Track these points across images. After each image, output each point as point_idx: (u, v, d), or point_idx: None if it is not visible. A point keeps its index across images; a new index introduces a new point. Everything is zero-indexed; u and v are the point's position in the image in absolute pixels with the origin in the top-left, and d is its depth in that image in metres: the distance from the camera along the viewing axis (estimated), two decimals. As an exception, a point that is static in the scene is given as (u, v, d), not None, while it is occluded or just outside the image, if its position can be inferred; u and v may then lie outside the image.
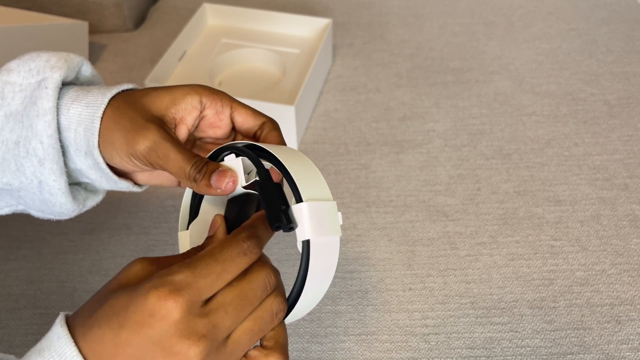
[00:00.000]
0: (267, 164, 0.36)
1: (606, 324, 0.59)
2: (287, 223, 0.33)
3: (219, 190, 0.36)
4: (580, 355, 0.57)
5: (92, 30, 0.98)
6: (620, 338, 0.58)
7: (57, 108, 0.38)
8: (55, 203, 0.40)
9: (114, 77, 0.91)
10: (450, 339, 0.58)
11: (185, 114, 0.39)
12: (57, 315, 0.62)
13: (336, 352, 0.58)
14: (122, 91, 0.40)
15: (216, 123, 0.41)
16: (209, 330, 0.29)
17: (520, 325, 0.59)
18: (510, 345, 0.58)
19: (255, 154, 0.36)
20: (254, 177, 0.37)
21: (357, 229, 0.68)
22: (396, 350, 0.58)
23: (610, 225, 0.68)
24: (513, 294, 0.62)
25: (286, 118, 0.74)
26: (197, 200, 0.41)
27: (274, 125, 0.41)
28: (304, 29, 0.90)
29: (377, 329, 0.59)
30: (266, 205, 0.34)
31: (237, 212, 0.38)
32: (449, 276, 0.64)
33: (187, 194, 0.41)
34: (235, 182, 0.36)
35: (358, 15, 1.02)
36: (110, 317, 0.29)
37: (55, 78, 0.38)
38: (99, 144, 0.38)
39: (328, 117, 0.83)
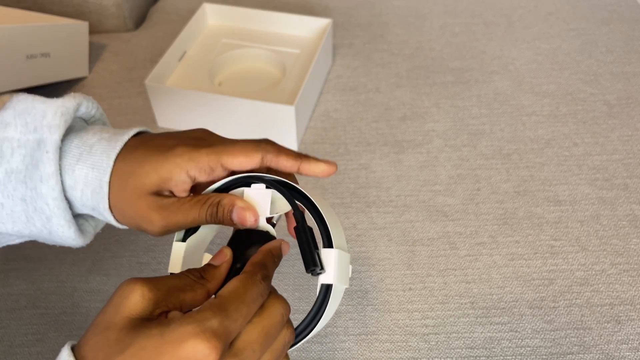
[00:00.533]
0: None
1: (606, 324, 0.59)
2: (321, 268, 0.36)
3: (241, 226, 0.38)
4: (580, 355, 0.57)
5: (93, 30, 0.98)
6: (620, 338, 0.58)
7: (61, 167, 0.39)
8: (66, 243, 0.41)
9: (114, 77, 0.91)
10: (450, 338, 0.58)
11: (178, 188, 0.39)
12: (57, 315, 0.63)
13: (336, 352, 0.58)
14: (125, 144, 0.40)
15: (212, 181, 0.40)
16: None
17: (520, 325, 0.59)
18: (510, 345, 0.58)
19: (287, 192, 0.38)
20: (275, 213, 0.40)
21: (357, 229, 0.68)
22: (396, 350, 0.58)
23: (610, 225, 0.68)
24: (513, 293, 0.62)
25: (286, 118, 0.74)
26: None
27: (273, 149, 0.39)
28: (304, 29, 0.90)
29: (377, 328, 0.59)
30: (303, 249, 0.36)
31: (242, 246, 0.38)
32: (448, 276, 0.64)
33: None
34: (257, 219, 0.38)
35: (358, 15, 1.02)
36: None
37: (54, 140, 0.38)
38: (109, 205, 0.39)
39: (328, 117, 0.83)
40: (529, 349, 0.57)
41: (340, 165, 0.76)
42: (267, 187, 0.39)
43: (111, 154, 0.39)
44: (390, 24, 1.00)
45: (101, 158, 0.39)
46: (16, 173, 0.38)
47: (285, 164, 0.39)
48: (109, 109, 0.85)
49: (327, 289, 0.36)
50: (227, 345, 0.30)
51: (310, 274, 0.36)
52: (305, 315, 0.37)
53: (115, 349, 0.30)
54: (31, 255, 0.66)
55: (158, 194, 0.39)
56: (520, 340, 0.58)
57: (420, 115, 0.83)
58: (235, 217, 0.38)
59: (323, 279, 0.37)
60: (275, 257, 0.37)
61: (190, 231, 0.40)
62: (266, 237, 0.39)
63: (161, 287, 0.32)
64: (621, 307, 0.60)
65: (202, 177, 0.38)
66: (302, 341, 0.37)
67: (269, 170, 0.40)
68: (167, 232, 0.39)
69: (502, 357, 0.57)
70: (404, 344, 0.58)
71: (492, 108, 0.83)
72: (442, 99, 0.85)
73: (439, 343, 0.58)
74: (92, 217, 0.43)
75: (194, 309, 0.32)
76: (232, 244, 0.39)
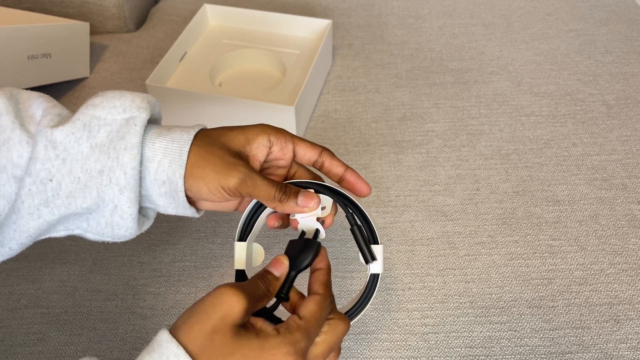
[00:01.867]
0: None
1: (605, 323, 0.59)
2: (374, 259, 0.45)
3: (305, 208, 0.44)
4: (579, 355, 0.57)
5: (93, 31, 0.98)
6: (618, 337, 0.58)
7: (142, 142, 0.43)
8: (122, 226, 0.44)
9: (114, 77, 0.91)
10: (449, 338, 0.59)
11: (258, 152, 0.45)
12: (58, 314, 0.63)
13: (336, 351, 0.58)
14: (199, 130, 0.45)
15: (280, 156, 0.47)
16: None
17: (519, 324, 0.60)
18: (509, 344, 0.58)
19: (338, 197, 0.46)
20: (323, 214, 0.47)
21: (356, 228, 0.69)
22: (395, 349, 0.58)
23: (609, 225, 0.68)
24: (512, 293, 0.62)
25: (286, 118, 0.74)
26: (255, 216, 0.47)
27: (331, 153, 0.47)
28: (304, 30, 0.91)
29: (376, 328, 0.60)
30: (361, 246, 0.45)
31: (297, 252, 0.44)
32: (448, 275, 0.64)
33: (248, 209, 0.46)
34: (319, 203, 0.45)
35: (358, 16, 1.02)
36: None
37: (142, 117, 0.43)
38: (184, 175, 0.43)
39: (328, 117, 0.83)
40: (527, 348, 0.58)
41: (340, 166, 0.76)
42: (316, 192, 0.45)
43: (191, 131, 0.44)
44: (390, 25, 1.00)
45: (181, 134, 0.44)
46: (100, 146, 0.42)
47: (336, 168, 0.47)
48: (109, 110, 0.85)
49: (376, 278, 0.46)
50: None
51: (365, 264, 0.45)
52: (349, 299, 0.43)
53: (221, 351, 0.36)
54: (32, 254, 0.67)
55: (239, 156, 0.44)
56: (519, 340, 0.58)
57: (420, 116, 0.83)
58: (301, 198, 0.44)
59: (373, 269, 0.45)
60: (329, 285, 0.43)
61: (246, 231, 0.46)
62: (315, 245, 0.44)
63: (250, 298, 0.38)
64: (620, 307, 0.61)
65: (275, 148, 0.45)
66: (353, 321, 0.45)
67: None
68: (242, 188, 0.43)
69: (501, 356, 0.57)
70: (404, 343, 0.59)
71: (491, 108, 0.84)
72: (442, 99, 0.85)
73: (438, 342, 0.58)
74: (146, 217, 0.47)
75: (282, 327, 0.38)
76: (287, 252, 0.45)
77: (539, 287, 0.63)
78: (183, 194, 0.44)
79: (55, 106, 0.44)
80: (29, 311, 0.62)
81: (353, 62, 0.93)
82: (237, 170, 0.43)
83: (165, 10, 1.06)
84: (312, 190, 0.45)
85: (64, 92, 0.88)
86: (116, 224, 0.44)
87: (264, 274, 0.42)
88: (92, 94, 0.87)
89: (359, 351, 0.58)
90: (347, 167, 0.47)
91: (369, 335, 0.59)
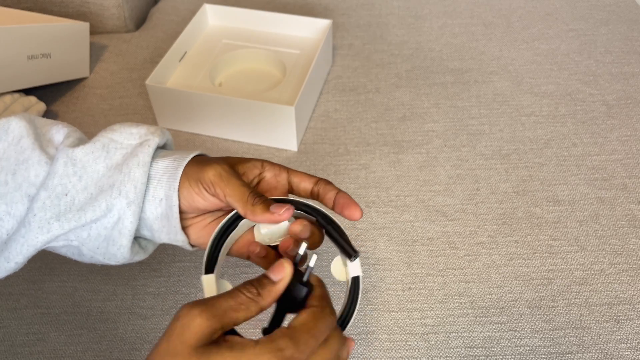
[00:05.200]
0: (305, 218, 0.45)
1: (605, 324, 0.59)
2: (355, 252, 0.42)
3: (276, 215, 0.41)
4: (579, 355, 0.57)
5: (93, 31, 0.98)
6: (618, 337, 0.58)
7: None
8: (117, 244, 0.44)
9: (114, 77, 0.91)
10: (449, 338, 0.59)
11: (248, 171, 0.46)
12: (58, 314, 0.63)
13: (336, 351, 0.58)
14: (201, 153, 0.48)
15: (274, 184, 0.46)
16: None
17: (519, 324, 0.59)
18: (509, 344, 0.58)
19: (309, 209, 0.44)
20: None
21: (356, 228, 0.69)
22: (395, 349, 0.58)
23: (609, 225, 0.68)
24: (512, 293, 0.62)
25: (286, 118, 0.74)
26: (219, 247, 0.43)
27: (326, 181, 0.46)
28: (304, 29, 0.91)
29: (376, 328, 0.60)
30: (342, 241, 0.43)
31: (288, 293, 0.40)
32: (448, 276, 0.64)
33: (210, 240, 0.44)
34: (291, 211, 0.42)
35: (358, 16, 1.02)
36: None
37: (155, 140, 0.46)
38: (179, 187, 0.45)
39: (328, 117, 0.83)
40: (528, 348, 0.58)
41: (340, 166, 0.76)
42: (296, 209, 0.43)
43: (190, 154, 0.46)
44: (390, 25, 1.00)
45: (182, 155, 0.46)
46: (115, 167, 0.45)
47: (329, 192, 0.45)
48: (109, 109, 0.85)
49: (356, 280, 0.43)
50: None
51: (349, 261, 0.43)
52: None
53: None
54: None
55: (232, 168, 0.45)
56: (519, 340, 0.58)
57: (420, 116, 0.83)
58: (274, 205, 0.42)
59: (352, 272, 0.43)
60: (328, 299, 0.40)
61: (212, 262, 0.42)
62: (299, 288, 0.39)
63: (217, 312, 0.34)
64: (620, 307, 0.61)
65: (268, 174, 0.46)
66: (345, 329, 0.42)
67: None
68: (217, 182, 0.43)
69: (501, 357, 0.57)
70: (404, 343, 0.59)
71: (491, 108, 0.84)
72: (442, 99, 0.85)
73: (438, 342, 0.58)
74: (141, 248, 0.48)
75: (262, 338, 0.34)
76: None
77: (539, 287, 0.62)
78: (177, 208, 0.44)
79: (76, 131, 0.48)
80: (28, 311, 0.62)
81: (353, 62, 0.92)
82: (216, 164, 0.44)
83: (165, 10, 1.06)
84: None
85: (63, 92, 0.88)
86: (113, 239, 0.44)
87: (260, 278, 0.38)
88: (92, 94, 0.88)
89: (359, 351, 0.58)
90: (340, 190, 0.45)
91: (369, 336, 0.59)
